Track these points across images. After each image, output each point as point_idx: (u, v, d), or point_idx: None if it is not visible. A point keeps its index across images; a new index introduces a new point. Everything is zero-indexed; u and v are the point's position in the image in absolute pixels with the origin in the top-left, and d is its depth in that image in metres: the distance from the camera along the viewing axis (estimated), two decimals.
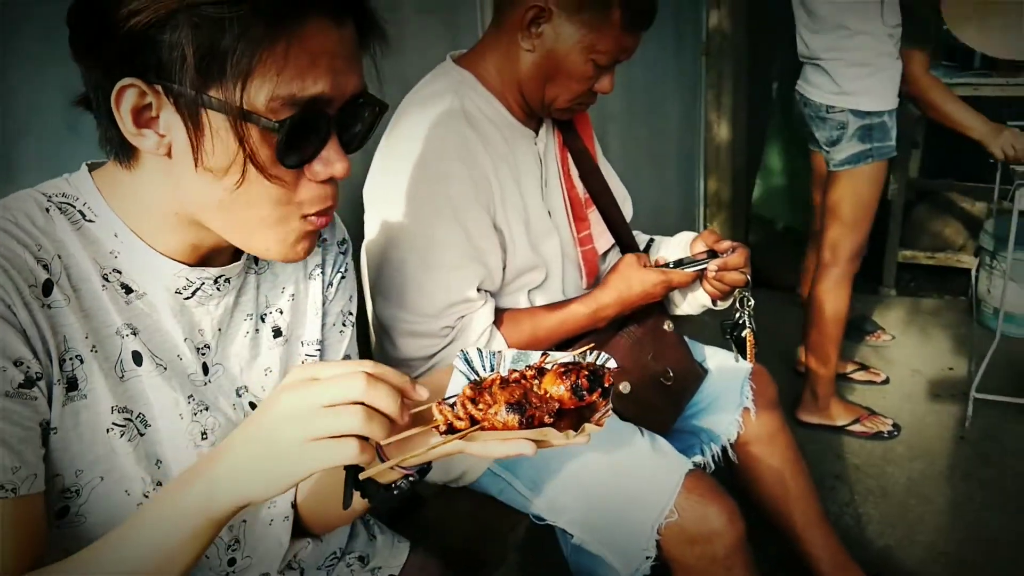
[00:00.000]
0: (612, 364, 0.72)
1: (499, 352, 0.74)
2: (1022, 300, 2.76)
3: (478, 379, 0.69)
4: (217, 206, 0.67)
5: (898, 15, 2.03)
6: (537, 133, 1.36)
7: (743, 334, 1.36)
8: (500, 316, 1.28)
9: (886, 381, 2.64)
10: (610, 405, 0.68)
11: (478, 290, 1.22)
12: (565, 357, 0.73)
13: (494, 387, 0.66)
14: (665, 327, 1.45)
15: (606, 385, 0.68)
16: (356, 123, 0.71)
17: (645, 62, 2.72)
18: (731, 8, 3.06)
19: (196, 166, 0.64)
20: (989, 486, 2.12)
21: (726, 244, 1.33)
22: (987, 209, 3.49)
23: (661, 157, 3.01)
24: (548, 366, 0.70)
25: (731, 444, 1.52)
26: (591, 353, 0.74)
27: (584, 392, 0.67)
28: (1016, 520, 1.99)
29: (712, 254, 1.34)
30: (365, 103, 0.71)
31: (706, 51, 3.12)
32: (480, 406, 0.65)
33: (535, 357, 0.72)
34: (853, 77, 2.03)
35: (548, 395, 0.67)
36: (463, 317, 1.20)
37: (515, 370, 0.70)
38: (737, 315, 1.37)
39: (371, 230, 1.25)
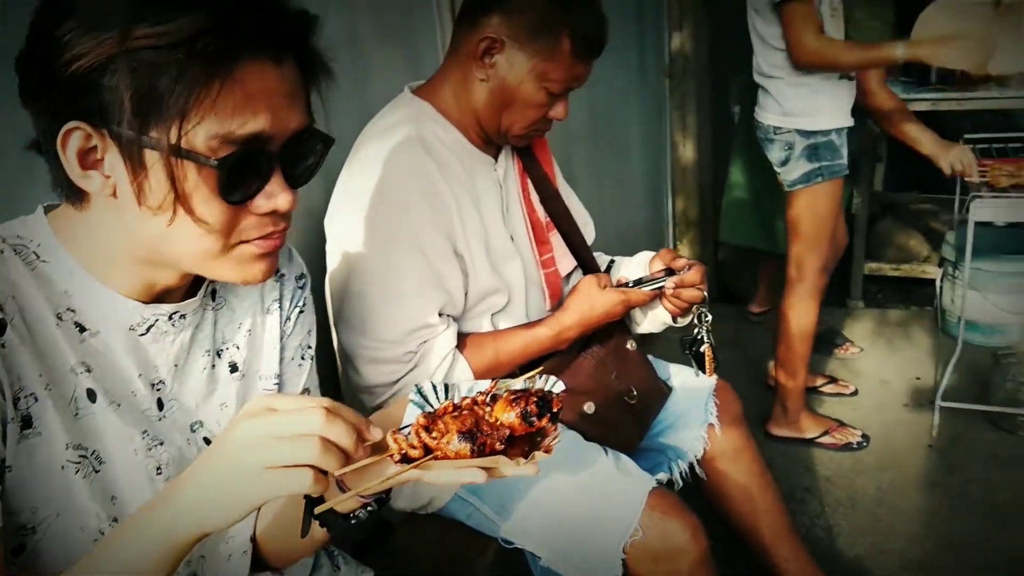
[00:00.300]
0: (560, 388, 0.74)
1: (453, 384, 0.76)
2: (983, 308, 2.81)
3: (432, 409, 0.71)
4: (163, 242, 0.69)
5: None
6: (496, 160, 1.39)
7: (702, 349, 1.39)
8: (463, 340, 1.29)
9: (855, 393, 2.68)
10: (559, 430, 0.70)
11: (440, 315, 1.24)
12: (516, 384, 0.75)
13: (447, 416, 0.68)
14: (628, 346, 1.48)
15: (555, 410, 0.70)
16: (301, 158, 0.73)
17: (609, 85, 2.77)
18: (693, 31, 3.13)
19: (139, 205, 0.66)
20: (956, 493, 2.16)
21: (682, 262, 1.36)
22: (949, 220, 3.57)
23: (628, 177, 3.06)
24: (499, 393, 0.72)
25: (698, 460, 1.54)
26: (540, 378, 0.76)
27: (533, 418, 0.69)
28: (982, 526, 2.02)
29: (670, 272, 1.37)
30: (310, 138, 0.73)
31: (669, 73, 3.18)
32: (434, 435, 0.67)
33: (487, 386, 0.74)
34: (794, 97, 2.09)
35: (499, 422, 0.68)
36: (425, 342, 1.22)
37: (468, 398, 0.72)
38: (696, 331, 1.40)
39: (333, 260, 1.26)
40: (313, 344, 0.95)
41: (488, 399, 0.71)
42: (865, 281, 3.39)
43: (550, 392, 0.72)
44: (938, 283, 2.94)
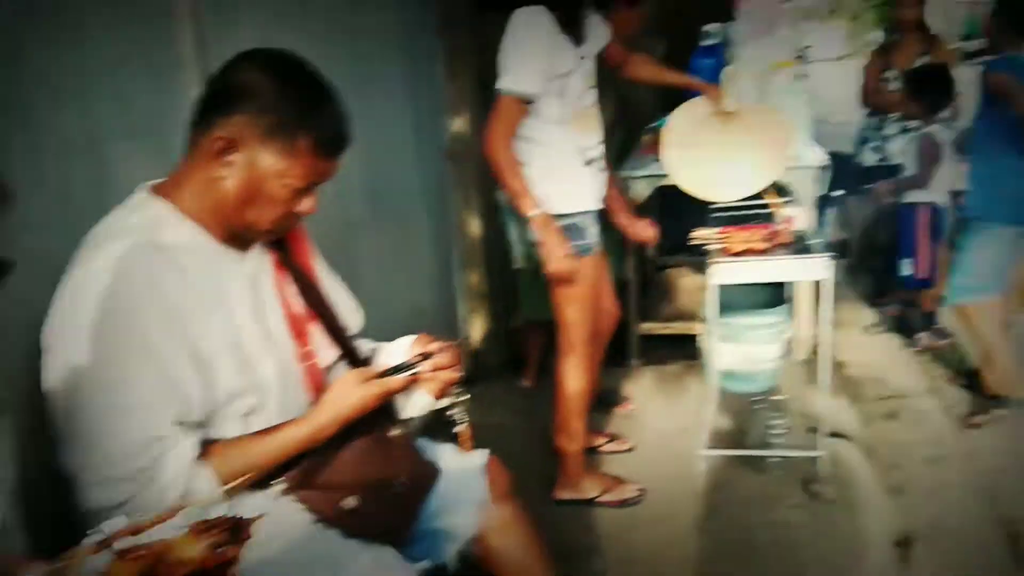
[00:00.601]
0: (258, 512, 0.73)
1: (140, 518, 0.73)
2: (739, 359, 3.12)
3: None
4: None
5: (591, 134, 2.31)
6: (246, 256, 1.37)
7: (457, 429, 1.44)
8: (210, 448, 1.24)
9: (632, 449, 2.86)
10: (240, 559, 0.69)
11: (178, 424, 1.18)
12: (217, 510, 0.73)
13: (119, 560, 0.65)
14: (393, 433, 1.49)
15: (245, 537, 0.69)
16: None
17: (390, 168, 2.85)
18: (470, 115, 3.30)
19: None
20: (721, 538, 2.35)
21: (435, 346, 1.42)
22: None
23: (416, 257, 3.13)
24: (189, 523, 0.70)
25: (471, 539, 1.57)
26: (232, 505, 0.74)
27: (223, 548, 0.67)
28: (745, 569, 2.21)
29: (427, 356, 1.41)
30: None
31: (450, 155, 3.32)
32: None
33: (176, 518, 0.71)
34: (540, 182, 2.24)
35: (178, 559, 0.66)
36: (159, 456, 1.15)
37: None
38: (452, 411, 1.45)
39: (54, 374, 1.17)
40: (7, 477, 0.87)
41: (178, 530, 0.68)
42: (642, 340, 3.65)
43: (241, 518, 0.71)
44: (701, 338, 3.25)
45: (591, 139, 2.34)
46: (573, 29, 2.26)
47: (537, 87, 2.18)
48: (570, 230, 2.29)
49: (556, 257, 2.24)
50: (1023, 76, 2.83)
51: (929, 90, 3.63)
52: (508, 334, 3.65)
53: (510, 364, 3.60)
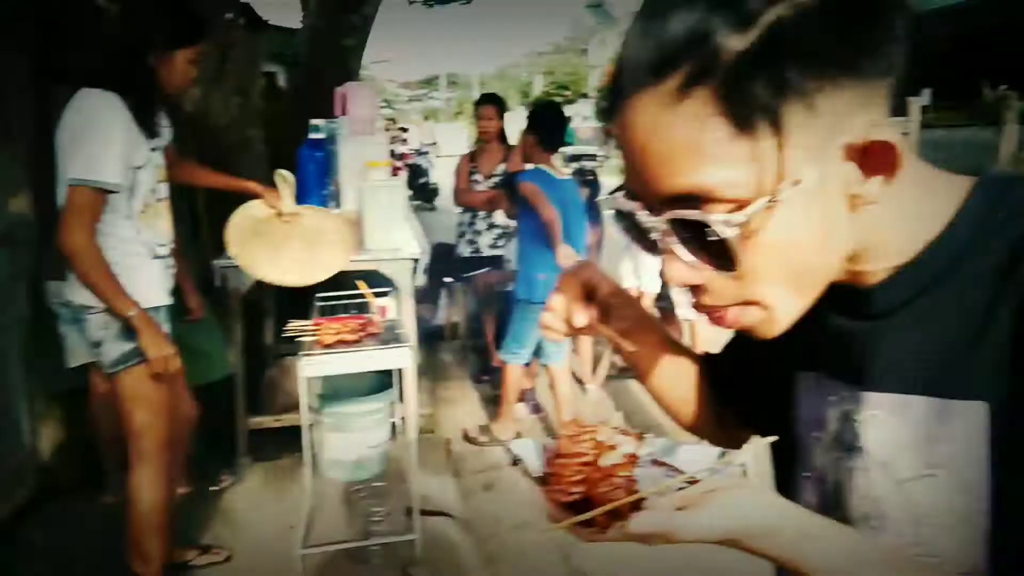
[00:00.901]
0: None
1: None
2: (348, 447, 3.12)
3: None
4: None
5: (162, 229, 2.19)
6: None
7: None
8: None
9: (229, 558, 2.65)
10: None
11: None
12: None
13: None
14: None
15: None
16: None
17: None
18: (30, 196, 2.90)
19: None
20: None
21: None
22: None
23: None
24: None
25: None
26: None
27: None
28: None
29: None
30: None
31: (7, 239, 2.87)
32: None
33: None
34: None
35: None
36: None
37: None
38: None
39: None
40: None
41: None
42: (252, 435, 3.46)
43: None
44: (306, 429, 3.18)
45: (161, 234, 2.21)
46: (145, 120, 2.13)
47: (119, 177, 2.02)
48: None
49: (160, 355, 2.09)
50: (545, 185, 3.43)
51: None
52: (88, 442, 3.20)
53: (91, 477, 3.14)
